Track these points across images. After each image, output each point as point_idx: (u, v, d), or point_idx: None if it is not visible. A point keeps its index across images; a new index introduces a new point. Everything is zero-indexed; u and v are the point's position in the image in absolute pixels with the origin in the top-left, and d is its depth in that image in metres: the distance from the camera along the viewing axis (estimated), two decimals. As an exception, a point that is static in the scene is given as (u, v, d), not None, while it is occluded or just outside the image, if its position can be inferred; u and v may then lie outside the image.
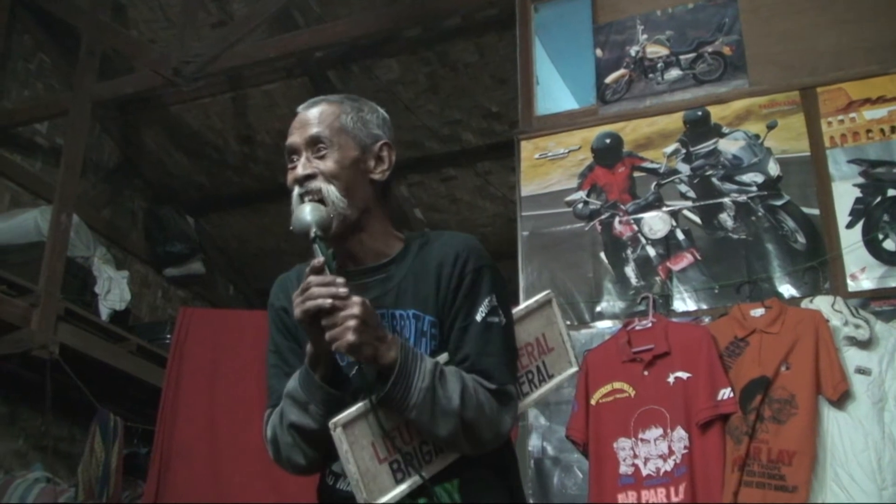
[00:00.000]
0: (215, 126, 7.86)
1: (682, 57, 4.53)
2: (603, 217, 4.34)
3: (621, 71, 4.64)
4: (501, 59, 6.67)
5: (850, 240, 3.87)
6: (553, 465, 3.98)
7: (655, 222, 4.19)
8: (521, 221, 4.53)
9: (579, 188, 4.45)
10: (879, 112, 4.06)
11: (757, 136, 4.18)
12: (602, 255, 4.25)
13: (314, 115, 1.89)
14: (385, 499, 1.66)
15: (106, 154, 8.15)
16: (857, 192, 3.94)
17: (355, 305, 1.61)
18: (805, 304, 3.66)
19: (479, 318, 1.78)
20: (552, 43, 5.21)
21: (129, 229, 8.34)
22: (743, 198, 4.08)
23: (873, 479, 3.25)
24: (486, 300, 1.80)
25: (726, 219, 4.08)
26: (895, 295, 3.73)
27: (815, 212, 3.97)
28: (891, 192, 3.89)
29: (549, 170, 4.54)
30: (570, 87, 5.47)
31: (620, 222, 4.29)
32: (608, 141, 4.48)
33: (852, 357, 3.45)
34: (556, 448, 3.98)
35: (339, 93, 6.55)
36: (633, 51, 4.65)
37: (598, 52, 4.74)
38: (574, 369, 2.07)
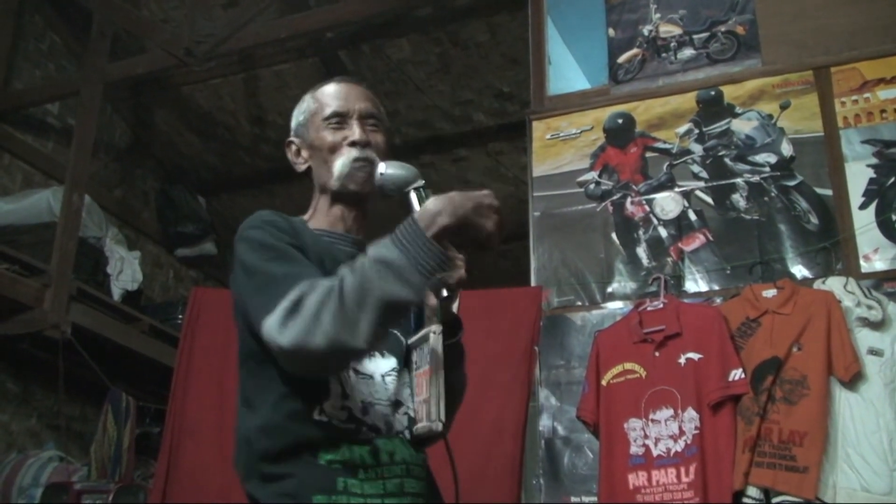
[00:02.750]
0: (227, 106, 7.86)
1: (695, 36, 4.50)
2: (615, 198, 4.33)
3: (634, 50, 4.62)
4: (513, 38, 6.64)
5: (863, 220, 3.85)
6: (564, 445, 3.98)
7: (667, 203, 4.18)
8: (533, 202, 4.52)
9: (591, 168, 4.43)
10: (894, 92, 4.03)
11: (770, 116, 4.16)
12: (613, 235, 4.24)
13: (367, 93, 1.98)
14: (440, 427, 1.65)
15: (117, 134, 8.17)
16: (871, 173, 3.92)
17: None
18: (817, 284, 3.65)
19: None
20: (564, 22, 5.17)
21: (140, 209, 8.36)
22: (756, 178, 4.07)
23: (885, 460, 3.24)
24: None
25: (739, 199, 4.06)
26: (908, 276, 3.72)
27: (828, 192, 3.96)
28: (904, 173, 3.88)
29: (560, 150, 4.53)
30: (583, 66, 5.43)
31: (632, 203, 4.28)
32: (620, 121, 4.46)
33: (864, 338, 3.44)
34: (567, 428, 3.98)
35: (350, 73, 6.49)
36: (646, 30, 4.62)
37: (611, 31, 4.71)
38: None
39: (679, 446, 3.40)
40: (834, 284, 3.58)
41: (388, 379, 1.78)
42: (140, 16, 6.92)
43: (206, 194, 8.67)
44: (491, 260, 8.90)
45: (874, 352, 3.41)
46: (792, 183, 4.02)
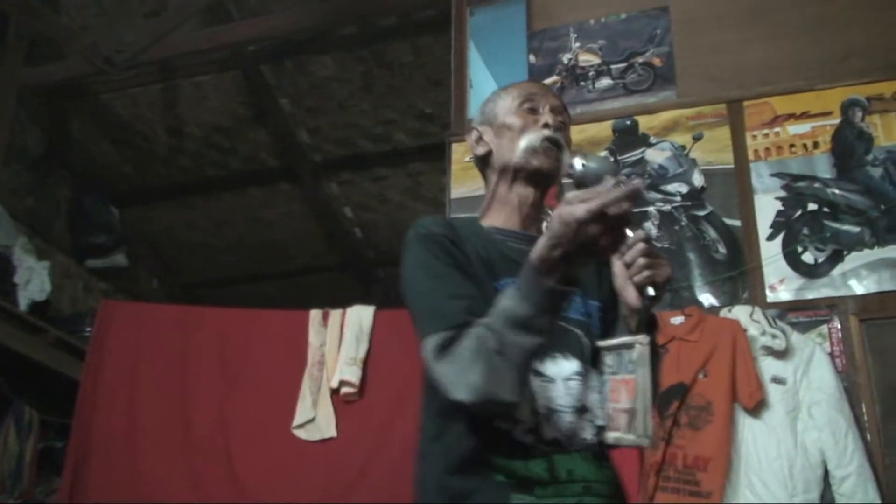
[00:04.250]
0: (144, 116, 7.74)
1: (613, 66, 4.58)
2: (531, 222, 4.37)
3: (553, 77, 4.68)
4: (437, 60, 6.67)
5: (770, 251, 3.95)
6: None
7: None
8: (450, 223, 4.53)
9: (508, 192, 4.46)
10: (803, 127, 4.15)
11: (683, 147, 4.25)
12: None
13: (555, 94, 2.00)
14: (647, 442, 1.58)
15: (32, 141, 7.97)
16: (779, 205, 4.03)
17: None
18: (724, 313, 3.73)
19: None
20: (486, 47, 5.23)
21: (52, 219, 8.16)
22: (667, 207, 4.15)
23: (785, 486, 3.32)
24: None
25: (650, 227, 4.13)
26: (812, 307, 3.81)
27: (737, 223, 4.05)
28: (811, 206, 3.99)
29: (479, 173, 4.55)
30: (504, 91, 5.49)
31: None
32: (538, 146, 4.51)
33: (768, 366, 3.53)
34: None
35: (271, 86, 6.42)
36: (565, 58, 4.69)
37: (532, 58, 4.77)
38: None
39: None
40: (740, 313, 3.67)
41: (571, 383, 1.69)
42: (59, 21, 6.79)
43: (121, 205, 8.50)
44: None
45: (777, 380, 3.50)
46: (702, 213, 4.11)
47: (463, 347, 1.54)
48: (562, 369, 1.69)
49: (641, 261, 1.54)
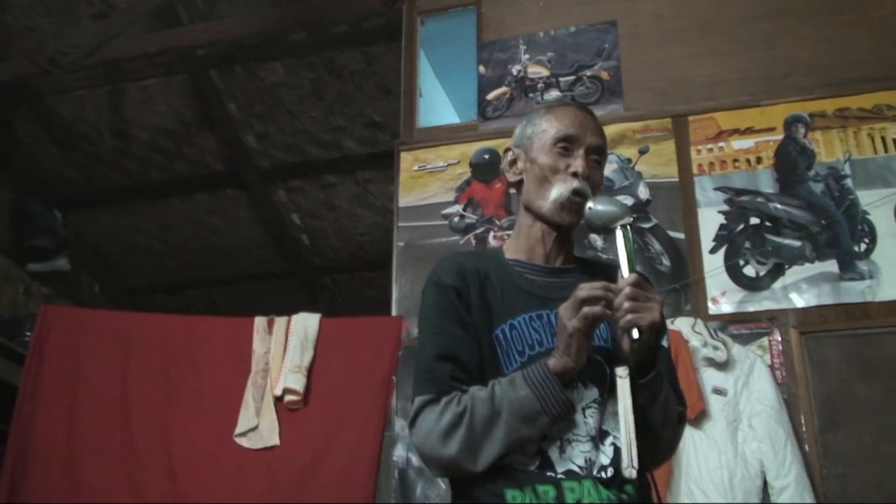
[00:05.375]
0: (90, 119, 7.62)
1: (561, 79, 4.62)
2: (478, 231, 4.39)
3: (503, 89, 4.71)
4: (387, 69, 6.67)
5: (713, 264, 4.01)
6: (417, 475, 3.99)
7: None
8: (398, 232, 4.54)
9: (456, 202, 4.49)
10: (747, 143, 4.22)
11: (629, 160, 4.29)
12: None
13: (600, 127, 1.93)
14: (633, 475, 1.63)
15: (-28, 142, 7.83)
16: (722, 219, 4.09)
17: (655, 293, 1.64)
18: (666, 324, 3.76)
19: (665, 343, 1.82)
20: (437, 57, 5.25)
21: (-7, 221, 8.03)
22: (613, 219, 4.17)
23: (724, 496, 3.36)
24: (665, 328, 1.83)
25: (596, 238, 4.17)
26: (753, 319, 3.88)
27: (681, 236, 4.10)
28: (753, 220, 4.05)
29: (427, 182, 4.57)
30: (453, 101, 5.52)
31: (495, 237, 4.34)
32: (486, 157, 4.54)
33: (709, 378, 3.57)
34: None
35: (220, 91, 6.34)
36: (515, 70, 4.72)
37: (482, 68, 4.79)
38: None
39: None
40: (682, 325, 3.71)
41: (588, 412, 1.71)
42: (3, 21, 6.68)
43: (64, 208, 8.36)
44: (357, 287, 8.90)
45: (718, 391, 3.54)
46: (647, 225, 4.15)
47: (443, 422, 1.67)
48: (582, 398, 1.73)
49: (625, 304, 1.60)
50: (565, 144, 1.87)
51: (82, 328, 4.35)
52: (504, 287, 1.83)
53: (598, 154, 1.90)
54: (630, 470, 1.60)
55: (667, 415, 1.72)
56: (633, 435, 1.62)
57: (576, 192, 1.82)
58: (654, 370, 1.68)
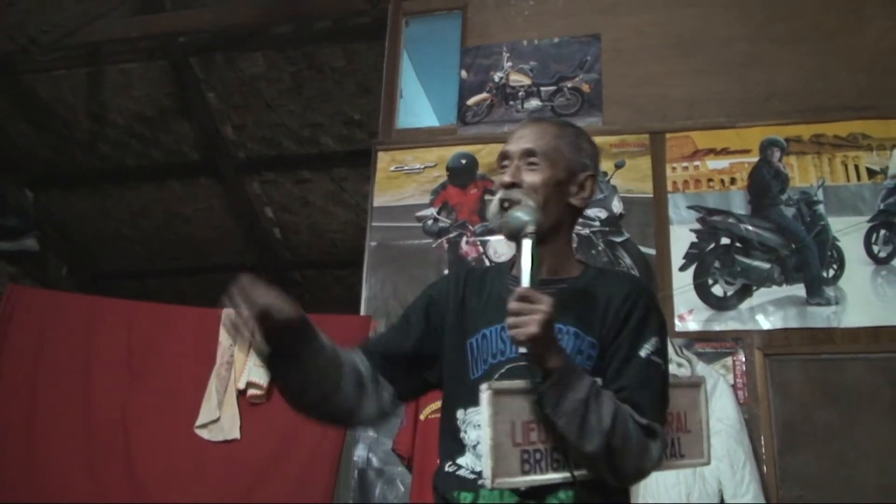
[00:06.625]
0: (67, 100, 7.56)
1: (542, 89, 4.63)
2: (451, 235, 4.39)
3: (483, 94, 4.71)
4: (369, 67, 6.65)
5: (682, 282, 4.04)
6: (377, 476, 3.99)
7: (501, 246, 4.27)
8: (371, 231, 4.54)
9: (431, 205, 4.49)
10: (721, 163, 4.25)
11: (605, 174, 4.31)
12: (446, 272, 4.29)
13: (535, 130, 1.95)
14: (508, 482, 1.64)
15: (-55, 118, 7.74)
16: (693, 237, 4.12)
17: (545, 302, 1.64)
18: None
19: (643, 354, 1.79)
20: (420, 58, 5.25)
21: (-39, 197, 7.93)
22: (585, 231, 4.20)
23: (681, 512, 3.38)
24: (653, 340, 1.80)
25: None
26: (718, 338, 3.91)
27: (652, 252, 4.13)
28: (724, 240, 4.08)
29: (403, 183, 4.57)
30: (433, 104, 5.52)
31: (467, 242, 4.35)
32: (464, 161, 4.54)
33: (672, 394, 3.58)
34: (381, 460, 3.99)
35: (199, 80, 6.30)
36: (496, 76, 4.73)
37: (464, 73, 4.80)
38: (704, 461, 2.01)
39: (488, 485, 3.45)
40: (649, 340, 3.72)
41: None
42: (-17, -4, 6.62)
43: (35, 189, 8.29)
44: (327, 284, 8.87)
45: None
46: (619, 239, 4.17)
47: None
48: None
49: (508, 319, 1.64)
50: (504, 162, 1.93)
51: (48, 310, 4.32)
52: (490, 297, 1.90)
53: (530, 156, 1.90)
54: (487, 481, 1.63)
55: (582, 426, 1.67)
56: (488, 446, 1.64)
57: (503, 201, 1.85)
58: (549, 381, 1.68)
